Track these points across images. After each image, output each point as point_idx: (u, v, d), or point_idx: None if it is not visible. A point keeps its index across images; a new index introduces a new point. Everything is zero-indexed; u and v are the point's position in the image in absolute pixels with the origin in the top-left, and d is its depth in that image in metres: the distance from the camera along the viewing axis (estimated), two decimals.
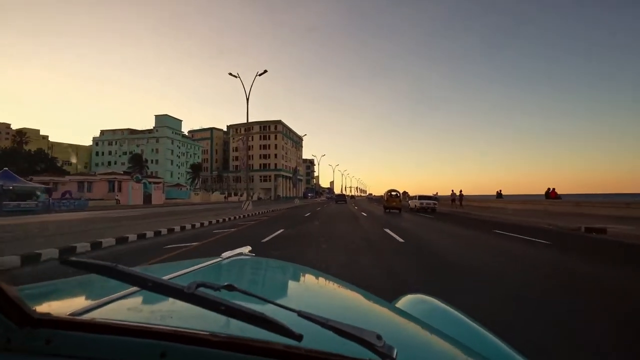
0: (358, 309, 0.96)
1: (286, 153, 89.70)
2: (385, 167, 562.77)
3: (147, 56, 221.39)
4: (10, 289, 0.46)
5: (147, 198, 38.00)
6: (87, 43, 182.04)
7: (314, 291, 1.14)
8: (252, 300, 0.55)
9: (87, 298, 0.65)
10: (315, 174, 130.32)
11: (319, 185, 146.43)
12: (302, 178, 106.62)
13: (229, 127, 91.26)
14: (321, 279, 1.24)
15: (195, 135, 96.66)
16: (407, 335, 0.78)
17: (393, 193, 22.27)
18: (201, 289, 0.49)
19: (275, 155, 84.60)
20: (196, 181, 66.93)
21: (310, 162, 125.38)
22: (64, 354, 0.47)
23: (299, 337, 0.44)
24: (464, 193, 28.49)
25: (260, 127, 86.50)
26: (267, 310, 0.47)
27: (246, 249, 1.39)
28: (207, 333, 0.46)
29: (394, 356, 0.44)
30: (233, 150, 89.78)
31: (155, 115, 70.67)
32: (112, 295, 0.69)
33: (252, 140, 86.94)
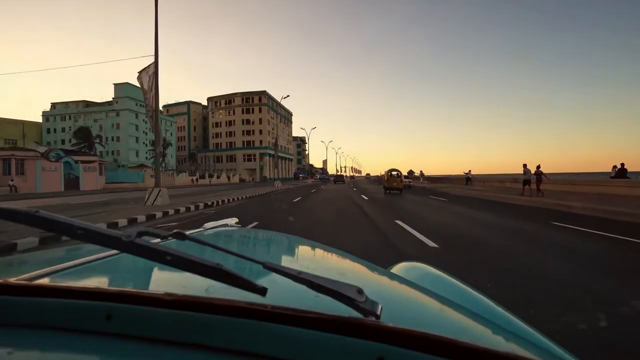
0: (341, 268, 0.90)
1: (273, 129, 79.58)
2: (380, 147, 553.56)
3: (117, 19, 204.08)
4: None
5: (74, 182, 28.39)
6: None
7: (296, 254, 1.04)
8: (208, 251, 0.49)
9: (37, 267, 0.59)
10: (307, 152, 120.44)
11: (311, 165, 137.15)
12: (292, 157, 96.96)
13: (208, 99, 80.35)
14: (310, 247, 1.12)
15: (171, 110, 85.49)
16: (393, 293, 0.73)
17: (394, 173, 20.08)
18: (145, 237, 0.43)
19: (260, 131, 74.55)
20: (162, 161, 56.94)
21: (301, 140, 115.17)
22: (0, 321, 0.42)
23: (261, 291, 0.39)
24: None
25: (242, 99, 75.84)
26: (225, 262, 0.41)
27: (232, 220, 1.31)
28: (160, 293, 0.41)
29: (378, 312, 0.39)
30: (213, 126, 79.41)
31: (115, 84, 59.28)
32: (68, 263, 0.62)
33: (234, 114, 76.61)
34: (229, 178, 59.85)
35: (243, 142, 75.30)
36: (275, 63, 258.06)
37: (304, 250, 1.11)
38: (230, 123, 76.71)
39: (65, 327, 0.41)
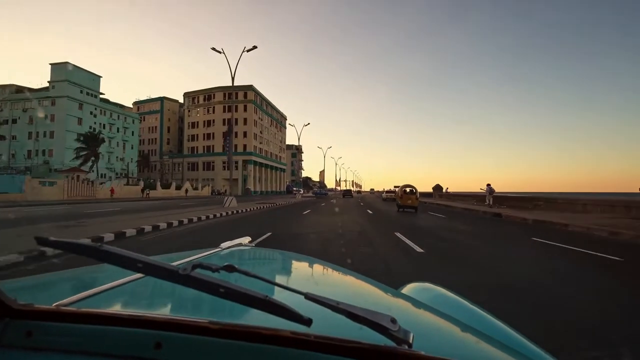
0: (367, 294, 0.93)
1: (261, 132, 66.04)
2: (381, 162, 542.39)
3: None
4: None
5: None
6: None
7: (320, 277, 1.10)
8: (255, 283, 0.50)
9: (75, 290, 0.60)
10: (302, 161, 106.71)
11: (309, 178, 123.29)
12: (284, 168, 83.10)
13: (185, 95, 67.10)
14: (327, 267, 1.20)
15: (143, 107, 72.16)
16: (421, 320, 0.74)
17: (408, 189, 18.03)
18: (198, 270, 0.45)
19: (245, 134, 60.90)
20: (93, 164, 42.54)
21: (297, 149, 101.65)
22: (47, 347, 0.42)
23: (307, 322, 0.40)
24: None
25: (224, 95, 62.53)
26: (271, 293, 0.43)
27: (246, 240, 1.35)
28: (206, 321, 0.42)
29: (410, 341, 0.41)
30: (189, 127, 65.70)
31: (51, 64, 46.00)
32: (102, 286, 0.63)
33: (214, 112, 62.97)
34: (185, 191, 44.97)
35: (224, 146, 61.45)
36: (271, 70, 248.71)
37: (321, 271, 1.17)
38: (209, 123, 63.17)
39: (115, 354, 0.41)
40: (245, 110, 61.27)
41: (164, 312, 0.57)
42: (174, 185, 40.64)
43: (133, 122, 59.94)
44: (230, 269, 0.48)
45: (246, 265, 1.08)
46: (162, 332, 0.42)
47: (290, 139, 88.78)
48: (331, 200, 30.46)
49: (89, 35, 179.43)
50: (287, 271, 1.17)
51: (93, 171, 41.82)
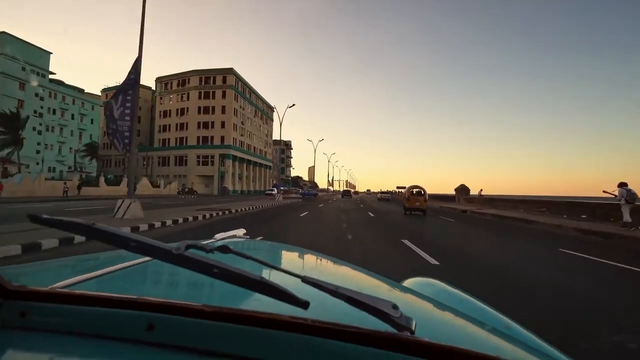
0: (368, 283, 0.92)
1: (242, 122, 58.83)
2: (376, 162, 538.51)
3: None
4: None
5: None
6: None
7: (318, 265, 1.09)
8: (250, 265, 0.49)
9: (71, 274, 0.61)
10: (291, 159, 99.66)
11: (299, 177, 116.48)
12: (270, 165, 75.99)
13: (157, 80, 59.46)
14: (324, 258, 1.20)
15: (111, 95, 64.25)
16: (423, 309, 0.74)
17: (415, 191, 16.70)
18: (191, 250, 0.44)
19: (223, 124, 53.61)
20: (11, 152, 34.72)
21: (286, 145, 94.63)
22: (40, 327, 0.43)
23: (304, 304, 0.40)
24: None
25: (200, 80, 55.17)
26: (267, 276, 0.42)
27: (240, 232, 1.34)
28: (200, 304, 0.42)
29: (413, 328, 0.40)
30: (160, 117, 58.11)
31: None
32: (98, 271, 0.64)
33: (188, 99, 55.52)
34: (134, 188, 37.17)
35: (198, 138, 54.17)
36: (263, 65, 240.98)
37: (319, 261, 1.16)
38: (182, 112, 55.68)
39: (107, 335, 0.41)
40: (223, 97, 53.95)
41: (159, 295, 0.56)
42: (125, 181, 33.29)
43: (93, 109, 52.18)
44: (224, 249, 0.47)
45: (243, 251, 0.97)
46: (154, 314, 0.41)
47: (279, 133, 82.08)
48: (318, 205, 20.76)
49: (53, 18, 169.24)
50: (284, 258, 1.16)
51: (38, 163, 34.25)
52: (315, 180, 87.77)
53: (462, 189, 30.01)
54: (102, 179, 31.64)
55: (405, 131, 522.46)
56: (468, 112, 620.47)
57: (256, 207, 17.45)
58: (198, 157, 53.33)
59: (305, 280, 0.43)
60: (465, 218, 15.38)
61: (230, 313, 0.41)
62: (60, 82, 46.97)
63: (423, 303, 0.77)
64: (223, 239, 1.15)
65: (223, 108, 53.57)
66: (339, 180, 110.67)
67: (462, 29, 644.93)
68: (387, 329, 0.39)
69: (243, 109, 58.94)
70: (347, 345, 0.38)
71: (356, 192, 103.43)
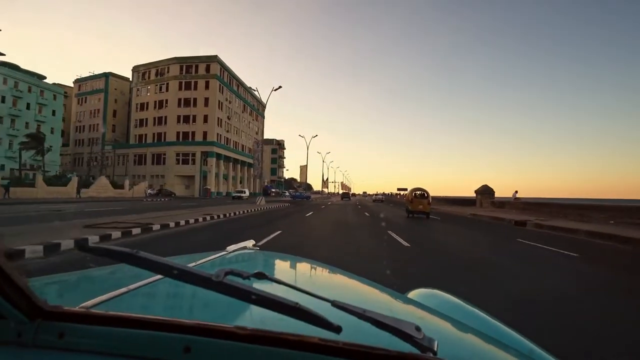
0: (385, 301, 0.94)
1: (229, 117, 53.06)
2: (371, 164, 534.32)
3: None
4: (21, 279, 0.43)
5: None
6: None
7: (338, 284, 1.11)
8: (283, 289, 0.51)
9: (103, 290, 0.62)
10: (284, 159, 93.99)
11: (293, 179, 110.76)
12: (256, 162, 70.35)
13: (134, 70, 53.54)
14: (339, 273, 1.20)
15: (85, 86, 58.27)
16: (442, 328, 0.75)
17: (419, 193, 16.17)
18: (229, 276, 0.46)
19: (206, 119, 47.88)
20: None
21: (278, 144, 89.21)
22: (78, 348, 0.44)
23: (337, 329, 0.41)
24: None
25: (180, 69, 49.41)
26: (300, 300, 0.44)
27: (250, 243, 1.38)
28: (235, 326, 0.43)
29: (435, 349, 0.41)
30: (137, 110, 52.19)
31: None
32: (130, 286, 0.65)
33: (167, 90, 49.73)
34: (77, 190, 30.12)
35: (178, 134, 48.33)
36: (261, 57, 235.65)
37: (326, 276, 1.20)
38: (160, 104, 49.84)
39: (144, 356, 0.42)
40: (207, 87, 48.21)
41: (189, 314, 0.59)
42: (74, 181, 27.31)
43: (55, 99, 46.06)
44: (260, 275, 0.49)
45: (257, 269, 1.00)
46: (190, 337, 0.42)
47: (270, 132, 75.86)
48: (306, 215, 15.69)
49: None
50: (306, 277, 1.19)
51: None
52: (310, 182, 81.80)
53: (485, 191, 24.62)
54: (39, 177, 25.50)
55: (404, 132, 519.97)
56: (474, 111, 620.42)
57: (217, 217, 11.85)
58: (177, 155, 47.48)
59: (335, 304, 0.44)
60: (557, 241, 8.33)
61: (263, 335, 0.42)
62: (13, 66, 40.78)
63: (439, 320, 0.78)
64: (234, 250, 1.21)
65: (206, 100, 47.83)
66: (334, 182, 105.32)
67: (475, 20, 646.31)
68: (411, 350, 0.41)
69: (229, 102, 53.24)
70: None
71: (353, 194, 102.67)
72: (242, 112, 59.75)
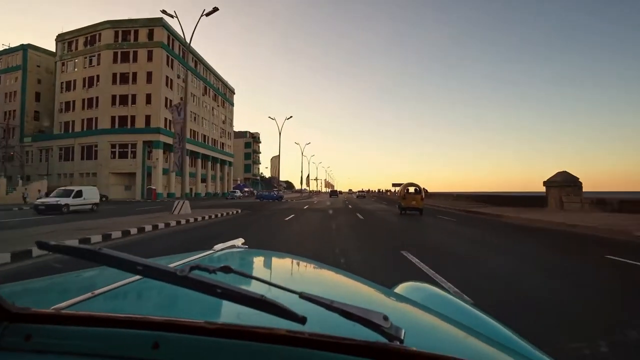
0: (361, 293, 0.96)
1: (181, 98, 42.43)
2: (354, 162, 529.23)
3: None
4: None
5: None
6: None
7: (315, 277, 1.12)
8: (251, 283, 0.52)
9: (76, 293, 0.63)
10: (259, 154, 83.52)
11: (272, 177, 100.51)
12: (230, 161, 59.78)
13: (58, 39, 41.87)
14: (321, 268, 1.22)
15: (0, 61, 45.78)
16: (413, 318, 0.77)
17: (412, 189, 15.65)
18: (195, 271, 0.46)
19: (148, 98, 37.15)
20: None
21: (253, 138, 78.78)
22: (46, 349, 0.44)
23: (302, 320, 0.41)
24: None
25: (115, 35, 38.32)
26: (267, 293, 0.45)
27: (239, 242, 1.36)
28: (203, 321, 0.44)
29: (402, 337, 0.42)
30: (62, 90, 40.76)
31: None
32: (103, 288, 0.64)
33: (99, 64, 38.76)
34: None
35: (114, 119, 37.40)
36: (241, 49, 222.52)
37: (315, 271, 1.19)
38: (90, 82, 38.65)
39: (113, 355, 0.43)
40: (149, 59, 37.48)
41: (161, 313, 0.59)
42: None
43: None
44: (226, 269, 0.49)
45: (242, 266, 1.09)
46: (159, 333, 0.43)
47: (244, 124, 65.44)
48: (256, 231, 8.88)
49: None
50: (282, 271, 1.19)
51: None
52: (291, 180, 71.87)
53: (568, 180, 15.58)
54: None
55: (384, 131, 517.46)
56: (473, 108, 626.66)
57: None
58: (113, 146, 36.66)
59: (303, 296, 0.45)
60: None
61: (232, 329, 0.43)
62: None
63: (413, 310, 0.80)
64: (223, 249, 1.20)
65: (149, 75, 37.12)
66: (317, 179, 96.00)
67: (449, 27, 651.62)
68: (379, 338, 0.42)
69: (183, 81, 42.67)
70: (341, 356, 0.40)
71: (340, 192, 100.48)
72: (203, 96, 49.21)
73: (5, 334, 0.44)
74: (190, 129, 44.67)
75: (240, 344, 0.42)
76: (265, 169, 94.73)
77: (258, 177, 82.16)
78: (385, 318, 0.43)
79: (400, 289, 1.11)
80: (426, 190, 34.55)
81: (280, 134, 43.36)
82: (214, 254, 1.11)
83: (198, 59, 47.55)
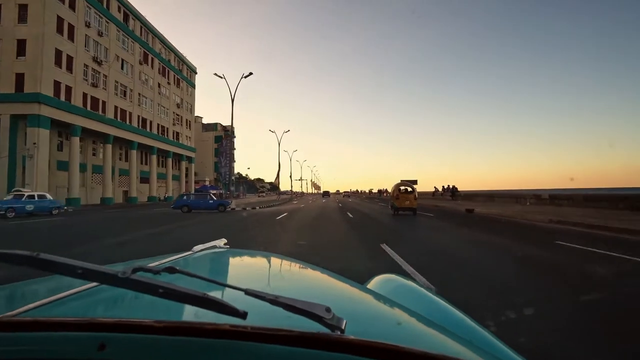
0: (313, 286, 0.99)
1: (99, 62, 28.94)
2: (339, 163, 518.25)
3: None
4: None
5: None
6: None
7: (275, 274, 1.14)
8: (196, 282, 0.54)
9: (21, 301, 0.60)
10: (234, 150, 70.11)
11: (247, 177, 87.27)
12: (191, 156, 46.41)
13: None
14: (291, 264, 1.23)
15: None
16: (359, 308, 0.80)
17: (404, 188, 14.84)
18: (140, 273, 0.47)
19: (22, 48, 23.11)
20: None
21: (224, 130, 65.45)
22: None
23: (243, 315, 0.43)
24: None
25: None
26: (213, 291, 0.45)
27: (221, 242, 1.36)
28: (151, 320, 0.44)
29: (343, 327, 0.44)
30: None
31: None
32: (50, 297, 0.63)
33: None
34: None
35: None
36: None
37: (285, 269, 1.20)
38: None
39: (58, 358, 0.43)
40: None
41: (112, 315, 0.59)
42: None
43: None
44: (171, 270, 0.50)
45: (219, 265, 1.13)
46: (106, 334, 0.43)
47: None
48: None
49: None
50: (240, 269, 1.19)
51: None
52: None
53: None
54: None
55: (369, 132, 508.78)
56: (430, 111, 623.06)
57: None
58: None
59: (248, 292, 0.47)
60: None
61: (179, 327, 0.44)
62: None
63: (367, 302, 0.85)
64: (202, 249, 1.19)
65: (23, 10, 23.51)
66: (301, 179, 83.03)
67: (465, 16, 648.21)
68: (322, 329, 0.44)
69: (100, 34, 29.41)
70: (283, 347, 0.42)
71: (330, 193, 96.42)
72: (141, 65, 36.01)
73: None
74: (116, 107, 31.45)
75: (187, 340, 0.42)
76: (247, 170, 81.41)
77: (233, 178, 68.76)
78: (328, 310, 0.45)
79: (373, 281, 1.15)
80: (456, 189, 21.54)
81: (279, 144, 30.55)
82: (193, 254, 1.11)
83: (131, 13, 34.41)
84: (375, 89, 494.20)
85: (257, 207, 21.72)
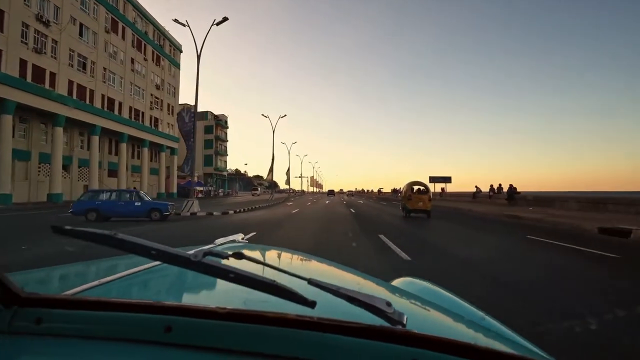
0: (362, 283, 1.02)
1: (45, 23, 22.87)
2: (342, 162, 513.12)
3: None
4: None
5: None
6: None
7: (315, 269, 1.17)
8: (262, 269, 0.55)
9: (86, 279, 0.64)
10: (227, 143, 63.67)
11: (243, 174, 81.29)
12: (173, 147, 40.32)
13: None
14: (322, 261, 1.27)
15: None
16: (411, 306, 0.82)
17: (418, 188, 13.84)
18: (209, 257, 0.47)
19: None
20: None
21: (217, 120, 59.36)
22: (57, 333, 0.44)
23: (311, 304, 0.43)
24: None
25: None
26: (277, 279, 0.47)
27: (239, 236, 1.40)
28: (214, 306, 0.45)
29: (404, 322, 0.44)
30: None
31: None
32: (116, 275, 0.66)
33: None
34: None
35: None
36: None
37: (313, 265, 1.22)
38: None
39: (125, 338, 0.44)
40: None
41: (174, 299, 0.61)
42: None
43: None
44: (239, 256, 0.51)
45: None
46: (171, 317, 0.44)
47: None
48: None
49: None
50: (288, 262, 1.25)
51: None
52: (275, 179, 53.51)
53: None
54: None
55: (373, 132, 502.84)
56: (435, 110, 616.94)
57: None
58: None
59: (312, 282, 0.47)
60: None
61: (243, 314, 0.44)
62: None
63: (412, 300, 0.87)
64: (223, 243, 1.22)
65: None
66: (301, 176, 77.23)
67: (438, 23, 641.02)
68: (383, 323, 0.44)
69: None
70: (348, 339, 0.42)
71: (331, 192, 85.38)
72: (108, 34, 29.81)
73: (15, 318, 0.44)
74: (71, 81, 25.39)
75: (251, 327, 0.43)
76: (244, 166, 75.53)
77: (225, 173, 62.69)
78: (389, 304, 0.44)
79: (396, 282, 1.15)
80: (515, 189, 18.71)
81: (273, 132, 24.55)
82: (215, 247, 1.13)
83: None
84: (389, 82, 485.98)
85: (231, 212, 15.81)
